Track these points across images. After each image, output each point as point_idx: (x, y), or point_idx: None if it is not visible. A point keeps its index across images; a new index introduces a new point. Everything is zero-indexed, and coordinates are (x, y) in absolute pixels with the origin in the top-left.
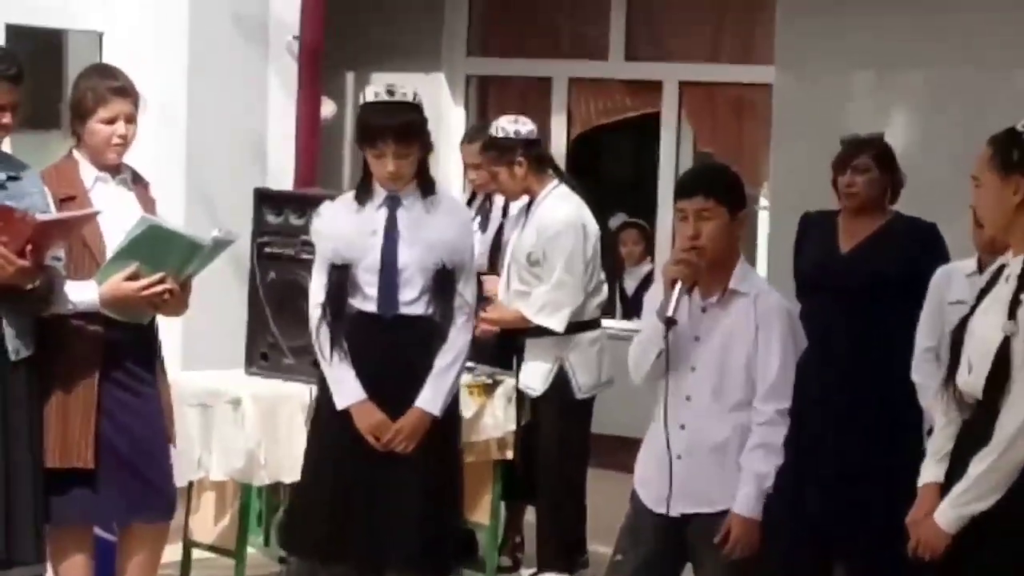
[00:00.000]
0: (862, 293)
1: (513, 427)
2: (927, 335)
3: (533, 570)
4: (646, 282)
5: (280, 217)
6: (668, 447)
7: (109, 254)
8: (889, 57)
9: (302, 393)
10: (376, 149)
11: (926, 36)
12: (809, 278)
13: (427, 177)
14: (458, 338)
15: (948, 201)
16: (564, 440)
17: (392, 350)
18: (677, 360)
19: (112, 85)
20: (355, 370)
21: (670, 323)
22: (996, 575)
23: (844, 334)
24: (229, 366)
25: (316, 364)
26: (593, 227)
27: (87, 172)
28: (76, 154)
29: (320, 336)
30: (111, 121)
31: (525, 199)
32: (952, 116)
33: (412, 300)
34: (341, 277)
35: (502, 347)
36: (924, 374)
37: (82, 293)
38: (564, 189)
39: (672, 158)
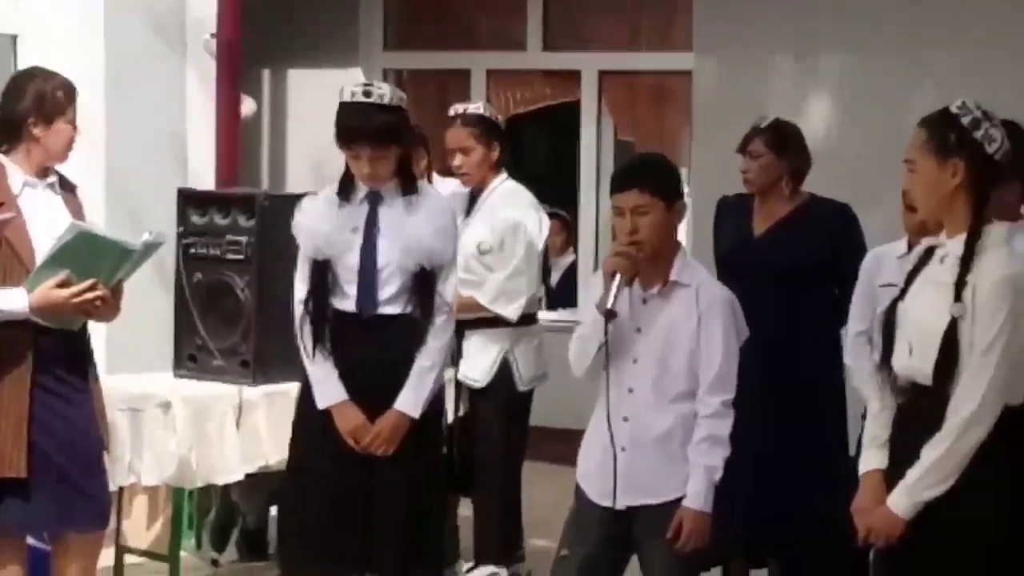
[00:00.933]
0: (775, 277)
1: (450, 420)
2: (859, 318)
3: (471, 564)
4: (569, 273)
5: (205, 217)
6: (612, 440)
7: (39, 260)
8: (808, 42)
9: (232, 394)
10: (352, 151)
11: (845, 20)
12: (724, 263)
13: (409, 175)
14: (438, 339)
15: (870, 184)
16: (504, 433)
17: (371, 349)
18: (619, 352)
19: (70, 86)
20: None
21: (609, 316)
22: (952, 560)
23: (760, 318)
24: (156, 369)
25: (246, 364)
26: (546, 221)
27: (15, 178)
28: (2, 159)
29: (303, 334)
30: (73, 121)
31: (463, 190)
32: (872, 100)
33: (390, 299)
34: (322, 274)
35: None
36: (856, 357)
37: (11, 301)
38: (512, 183)
39: (593, 147)
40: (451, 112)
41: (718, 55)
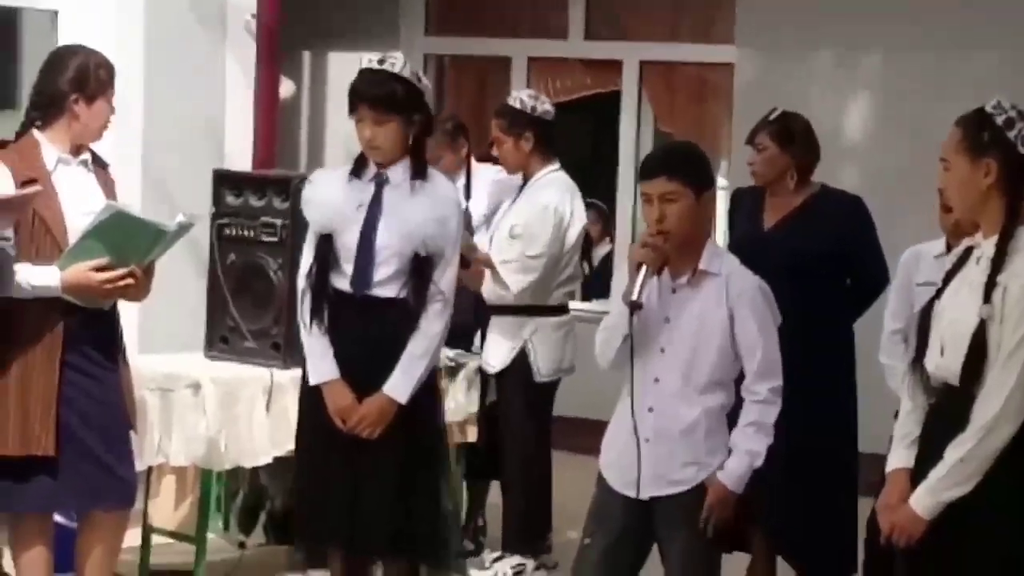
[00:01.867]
0: (786, 269)
1: (475, 409)
2: (895, 317)
3: (497, 553)
4: (605, 263)
5: (240, 199)
6: (636, 430)
7: (71, 238)
8: (850, 37)
9: (263, 376)
10: (356, 114)
11: (886, 16)
12: (735, 254)
13: (420, 159)
14: (432, 326)
15: (907, 181)
16: (523, 421)
17: (361, 330)
18: (646, 342)
19: (111, 65)
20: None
21: (635, 307)
22: (972, 562)
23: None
24: (187, 349)
25: (277, 347)
26: (581, 216)
27: (49, 154)
28: (37, 135)
29: (303, 306)
30: (111, 101)
31: (505, 177)
32: (912, 96)
33: (385, 281)
34: (326, 247)
35: (465, 328)
36: (891, 355)
37: (43, 277)
38: (562, 175)
39: (632, 138)
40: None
41: (759, 48)
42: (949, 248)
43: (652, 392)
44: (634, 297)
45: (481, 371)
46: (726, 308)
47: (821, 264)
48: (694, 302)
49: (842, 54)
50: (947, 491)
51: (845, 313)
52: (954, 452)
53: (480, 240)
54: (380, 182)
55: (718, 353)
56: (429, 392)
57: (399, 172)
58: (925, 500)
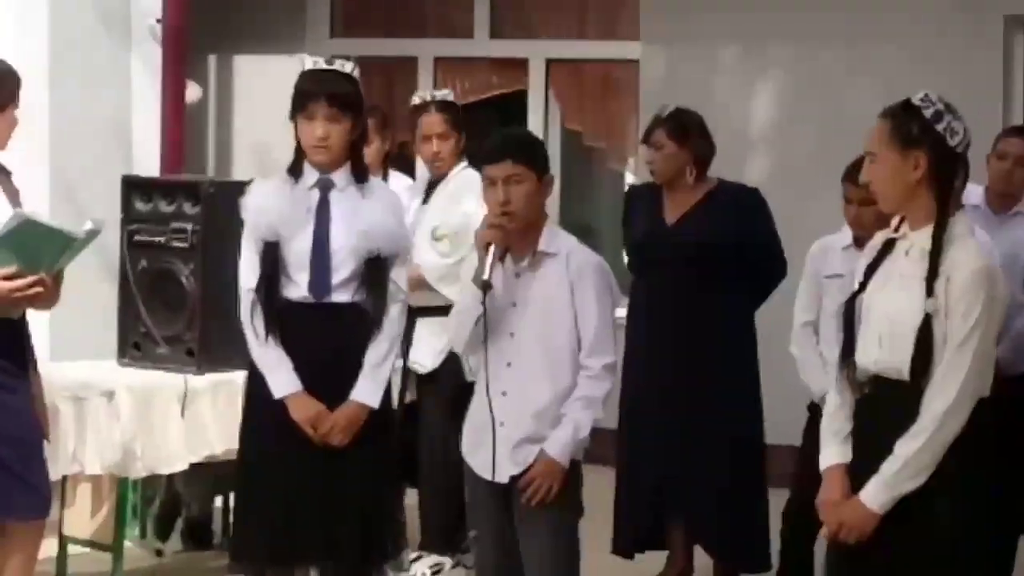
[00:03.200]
0: (690, 264)
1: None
2: (805, 309)
3: (416, 554)
4: None
5: (149, 204)
6: (492, 414)
7: None
8: (755, 32)
9: (177, 383)
10: (306, 111)
11: (792, 11)
12: (637, 251)
13: (361, 163)
14: (392, 327)
15: (814, 174)
16: (447, 420)
17: (320, 338)
18: (496, 327)
19: (16, 73)
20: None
21: (486, 287)
22: (924, 548)
23: (676, 305)
24: (100, 357)
25: (191, 353)
26: None
27: None
28: None
29: (254, 319)
30: (16, 109)
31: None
32: (818, 91)
33: (341, 285)
34: (274, 254)
35: None
36: (803, 347)
37: None
38: (472, 171)
39: (540, 136)
40: (418, 99)
41: (665, 45)
42: (857, 240)
43: (505, 376)
44: (485, 276)
45: (406, 370)
46: (567, 284)
47: (723, 255)
48: (538, 284)
49: (748, 47)
50: (902, 484)
51: (745, 304)
52: (908, 445)
53: None
54: (325, 187)
55: (567, 333)
56: (388, 395)
57: (342, 176)
58: (880, 495)
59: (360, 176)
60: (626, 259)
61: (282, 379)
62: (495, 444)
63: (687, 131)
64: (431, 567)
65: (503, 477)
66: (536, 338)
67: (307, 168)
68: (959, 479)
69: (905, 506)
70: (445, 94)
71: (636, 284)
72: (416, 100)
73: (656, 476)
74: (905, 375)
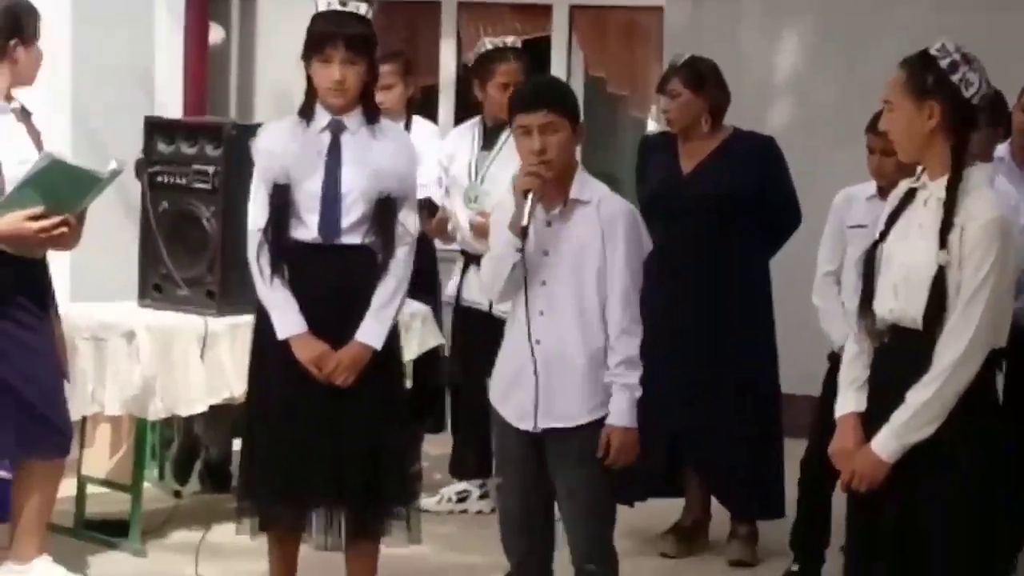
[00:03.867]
0: (706, 214)
1: (411, 357)
2: (828, 259)
3: (438, 496)
4: None
5: (171, 146)
6: (534, 361)
7: (7, 187)
8: None
9: (197, 325)
10: (323, 54)
11: None
12: (652, 200)
13: (372, 104)
14: (399, 269)
15: (838, 123)
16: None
17: (330, 279)
18: (528, 276)
19: (37, 11)
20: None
21: (524, 233)
22: (937, 497)
23: (692, 255)
24: (120, 298)
25: (212, 295)
26: None
27: None
28: None
29: (260, 260)
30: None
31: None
32: (841, 41)
33: (351, 227)
34: (284, 197)
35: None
36: (825, 297)
37: None
38: None
39: None
40: (490, 45)
41: None
42: (880, 190)
43: (537, 325)
44: (524, 222)
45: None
46: (599, 232)
47: (739, 205)
48: (570, 233)
49: None
50: (912, 433)
51: (760, 253)
52: (918, 394)
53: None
54: (337, 129)
55: (598, 281)
56: (395, 337)
57: (354, 119)
58: (890, 444)
59: (371, 117)
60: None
61: (287, 320)
62: (537, 393)
63: (702, 79)
64: (458, 493)
65: (540, 427)
66: (568, 286)
67: (319, 110)
68: (971, 430)
69: (917, 455)
70: (515, 41)
71: (650, 233)
72: (488, 46)
73: (671, 423)
74: (919, 325)
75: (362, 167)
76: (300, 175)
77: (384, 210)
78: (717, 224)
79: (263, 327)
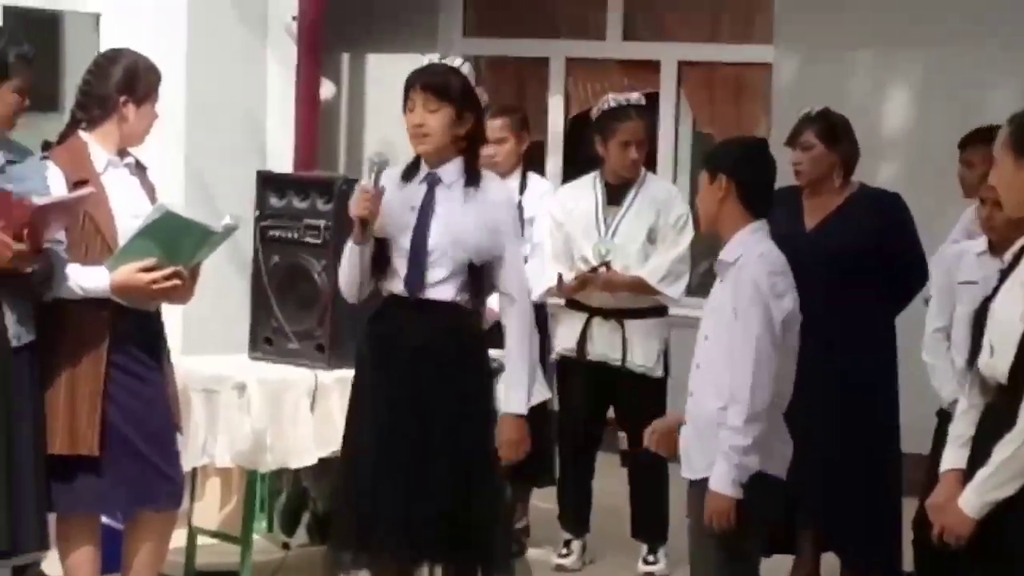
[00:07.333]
0: (829, 271)
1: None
2: (937, 315)
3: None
4: None
5: (283, 200)
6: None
7: (121, 240)
8: (889, 36)
9: (307, 378)
10: (408, 101)
11: (926, 15)
12: None
13: (473, 161)
14: (518, 330)
15: (947, 179)
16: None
17: (414, 332)
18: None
19: (158, 70)
20: (379, 353)
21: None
22: (1018, 560)
23: (814, 312)
24: (231, 351)
25: (322, 348)
26: None
27: (98, 155)
28: (84, 136)
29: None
30: (155, 104)
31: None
32: (951, 96)
33: (439, 282)
34: (381, 249)
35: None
36: (934, 354)
37: (92, 279)
38: (653, 175)
39: (671, 139)
40: (613, 102)
41: (798, 48)
42: (991, 245)
43: (693, 376)
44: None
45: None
46: (732, 295)
47: (864, 263)
48: (721, 288)
49: (881, 52)
50: (993, 491)
51: (885, 311)
52: (1000, 452)
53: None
54: (432, 182)
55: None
56: (489, 392)
57: (451, 172)
58: (972, 500)
59: (470, 172)
60: None
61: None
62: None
63: (836, 132)
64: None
65: (681, 475)
66: (713, 344)
67: (422, 164)
68: None
69: (1003, 512)
70: (638, 98)
71: None
72: (612, 103)
73: (790, 482)
74: (1006, 380)
75: (452, 222)
76: (394, 230)
77: (474, 271)
78: (840, 281)
79: (359, 378)
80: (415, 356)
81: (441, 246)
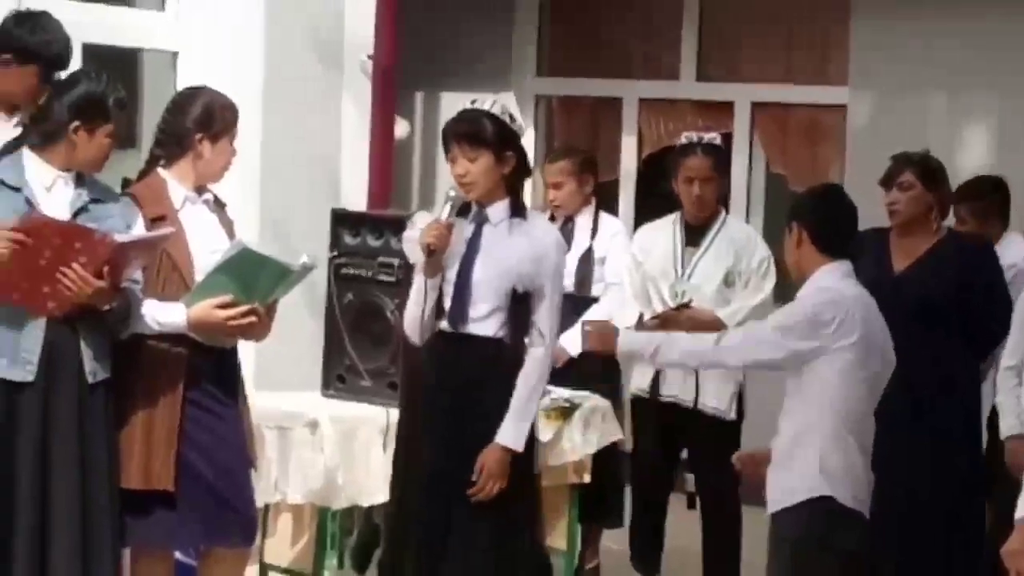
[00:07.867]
0: (913, 315)
1: (592, 450)
2: (1011, 353)
3: None
4: None
5: (357, 238)
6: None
7: (198, 276)
8: (964, 78)
9: (379, 416)
10: (449, 153)
11: (1003, 56)
12: None
13: (517, 198)
14: (535, 370)
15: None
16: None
17: (454, 366)
18: None
19: (235, 107)
20: (425, 388)
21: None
22: None
23: (902, 354)
24: (303, 388)
25: (394, 386)
26: None
27: (176, 192)
28: (163, 173)
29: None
30: (233, 142)
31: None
32: None
33: (481, 318)
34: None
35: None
36: (1004, 392)
37: (169, 314)
38: (730, 216)
39: (743, 180)
40: (684, 140)
41: (873, 90)
42: None
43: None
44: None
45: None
46: None
47: (952, 308)
48: None
49: (958, 94)
50: None
51: (970, 356)
52: None
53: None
54: (480, 221)
55: None
56: (530, 438)
57: (499, 211)
58: None
59: (516, 210)
60: None
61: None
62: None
63: (935, 175)
64: None
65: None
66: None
67: (473, 206)
68: None
69: None
70: (713, 137)
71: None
72: (683, 140)
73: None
74: None
75: (495, 259)
76: (448, 264)
77: (517, 305)
78: (928, 323)
79: (402, 426)
80: (454, 389)
81: (486, 279)
